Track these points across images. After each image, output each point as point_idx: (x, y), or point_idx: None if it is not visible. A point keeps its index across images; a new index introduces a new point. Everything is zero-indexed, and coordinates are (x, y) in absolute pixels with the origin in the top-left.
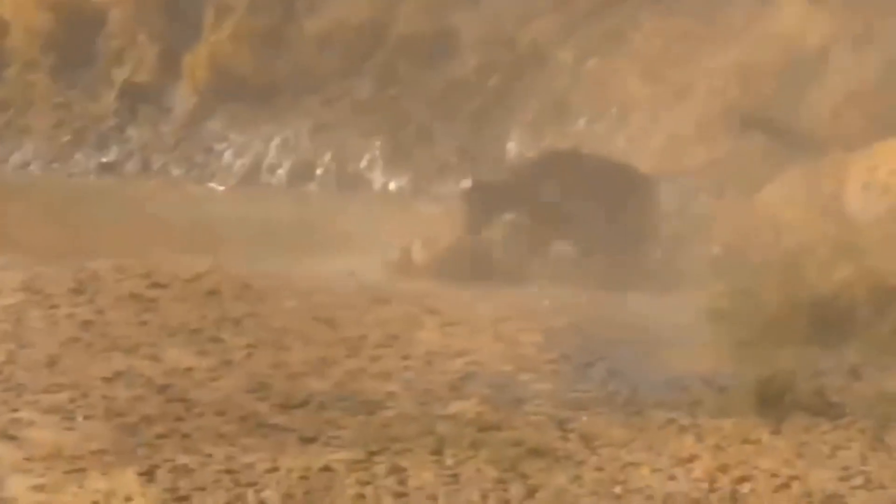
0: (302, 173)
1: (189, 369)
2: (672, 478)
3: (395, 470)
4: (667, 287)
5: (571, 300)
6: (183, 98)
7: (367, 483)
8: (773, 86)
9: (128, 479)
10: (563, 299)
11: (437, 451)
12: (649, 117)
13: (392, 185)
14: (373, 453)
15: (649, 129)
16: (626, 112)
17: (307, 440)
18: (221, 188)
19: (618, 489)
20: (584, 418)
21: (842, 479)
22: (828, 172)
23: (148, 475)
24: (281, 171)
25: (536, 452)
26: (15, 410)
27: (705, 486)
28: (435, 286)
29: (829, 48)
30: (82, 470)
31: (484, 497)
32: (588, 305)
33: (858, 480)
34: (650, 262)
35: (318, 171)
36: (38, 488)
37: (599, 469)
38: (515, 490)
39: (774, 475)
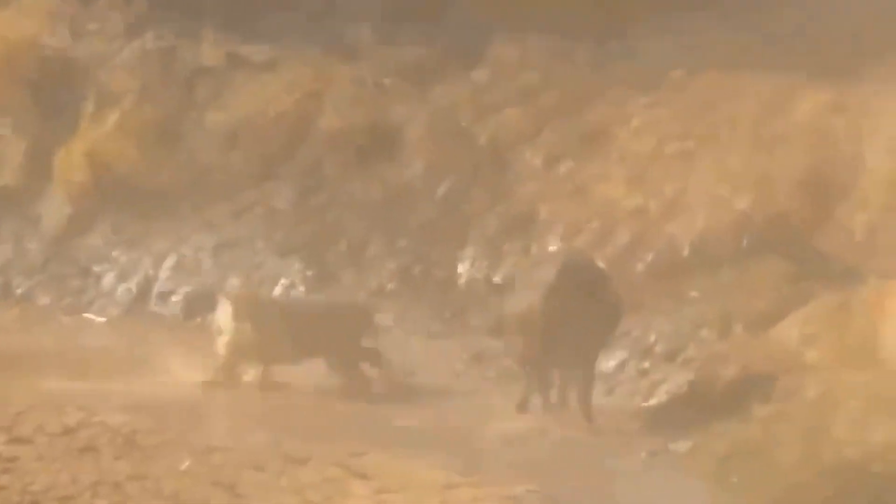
0: (202, 302)
1: None
2: None
3: None
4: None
5: (539, 456)
6: (54, 206)
7: None
8: (793, 196)
9: None
10: (527, 455)
11: None
12: (637, 234)
13: None
14: None
15: (637, 249)
16: (609, 227)
17: None
18: (101, 320)
19: None
20: None
21: None
22: (861, 306)
23: None
24: (176, 299)
25: None
26: None
27: None
28: (363, 441)
29: (864, 146)
30: None
31: None
32: (559, 464)
33: None
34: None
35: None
36: None
37: None
38: None
39: None
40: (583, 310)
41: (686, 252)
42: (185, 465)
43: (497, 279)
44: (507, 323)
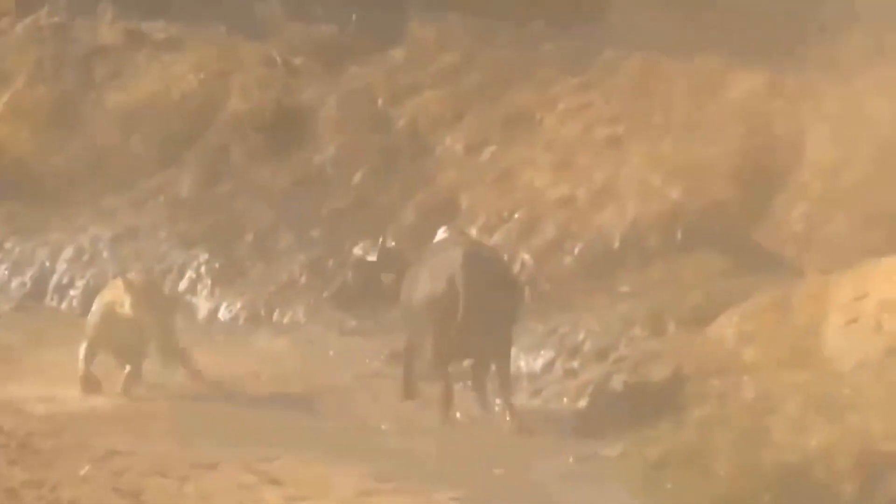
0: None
1: None
2: None
3: None
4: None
5: (461, 460)
6: None
7: None
8: (729, 185)
9: None
10: (448, 460)
11: None
12: (565, 225)
13: (223, 313)
14: None
15: (564, 241)
16: (535, 217)
17: None
18: None
19: None
20: None
21: None
22: (800, 302)
23: None
24: (73, 293)
25: None
26: None
27: None
28: (275, 447)
29: (803, 132)
30: None
31: None
32: (482, 469)
33: None
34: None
35: None
36: None
37: None
38: None
39: None
40: (489, 297)
41: (616, 244)
42: (85, 470)
43: None
44: (415, 314)
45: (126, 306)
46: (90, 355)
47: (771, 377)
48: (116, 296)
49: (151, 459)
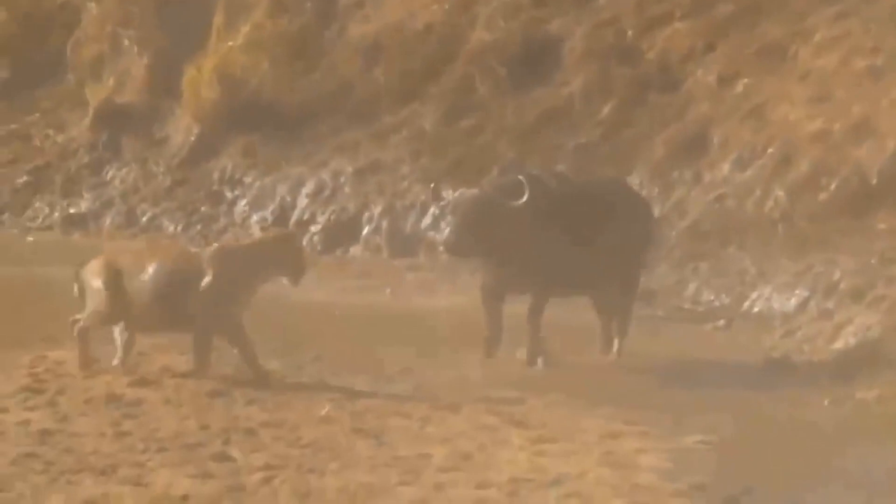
0: (343, 232)
1: (185, 498)
2: None
3: None
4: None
5: (710, 404)
6: (181, 127)
7: None
8: None
9: None
10: (695, 403)
11: None
12: (820, 160)
13: None
14: None
15: (819, 177)
16: (789, 152)
17: None
18: None
19: None
20: None
21: None
22: None
23: None
24: (315, 229)
25: None
26: None
27: None
28: (520, 390)
29: None
30: None
31: None
32: (731, 413)
33: None
34: None
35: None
36: None
37: None
38: None
39: None
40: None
41: (874, 180)
42: (325, 411)
43: (665, 208)
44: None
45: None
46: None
47: None
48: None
49: (392, 401)
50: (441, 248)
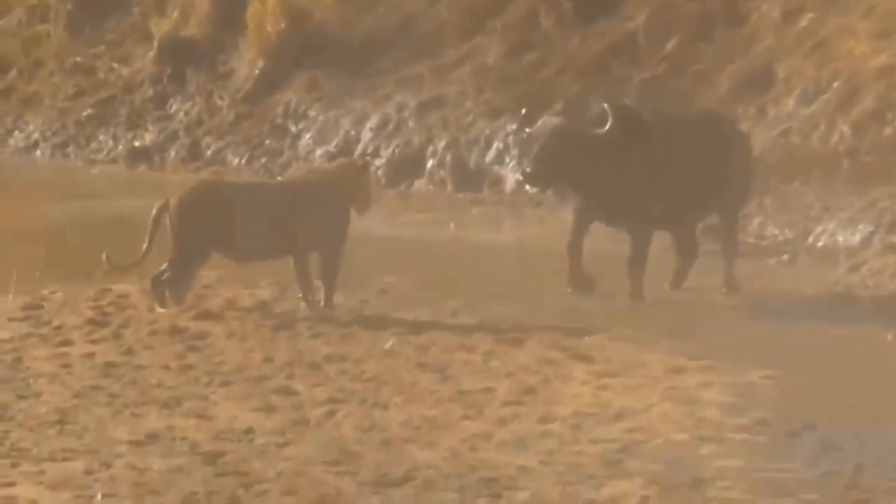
0: (407, 166)
1: (248, 431)
2: None
3: None
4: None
5: (773, 343)
6: (245, 60)
7: None
8: None
9: None
10: (760, 341)
11: None
12: (885, 95)
13: None
14: None
15: (885, 112)
16: (854, 88)
17: None
18: None
19: None
20: None
21: None
22: None
23: None
24: (379, 162)
25: None
26: (10, 485)
27: None
28: (582, 322)
29: None
30: None
31: None
32: (794, 350)
33: None
34: None
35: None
36: None
37: None
38: None
39: None
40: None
41: None
42: (389, 344)
43: None
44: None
45: None
46: None
47: None
48: None
49: (456, 335)
50: (520, 178)
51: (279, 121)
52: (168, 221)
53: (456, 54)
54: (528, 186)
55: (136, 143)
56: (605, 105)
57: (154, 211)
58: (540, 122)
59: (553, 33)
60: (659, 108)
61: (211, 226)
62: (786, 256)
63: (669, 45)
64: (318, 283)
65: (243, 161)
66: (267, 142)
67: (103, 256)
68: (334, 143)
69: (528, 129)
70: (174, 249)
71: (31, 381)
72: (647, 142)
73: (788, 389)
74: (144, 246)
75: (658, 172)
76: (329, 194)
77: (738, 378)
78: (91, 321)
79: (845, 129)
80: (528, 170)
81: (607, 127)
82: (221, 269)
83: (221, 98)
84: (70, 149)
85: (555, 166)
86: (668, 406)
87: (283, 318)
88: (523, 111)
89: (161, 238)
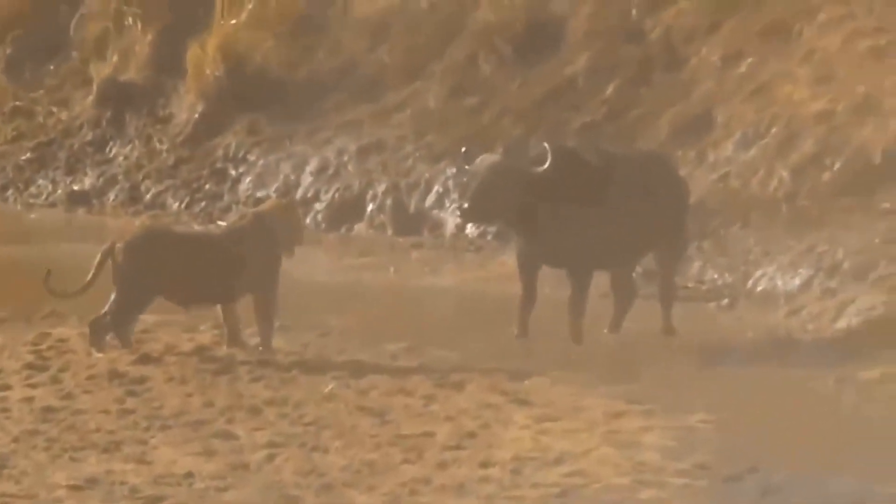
0: (347, 210)
1: (188, 475)
2: None
3: None
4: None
5: (712, 384)
6: (185, 104)
7: None
8: None
9: None
10: (699, 383)
11: None
12: (824, 140)
13: (470, 229)
14: None
15: (823, 157)
16: (793, 132)
17: None
18: None
19: None
20: None
21: None
22: None
23: None
24: (319, 207)
25: None
26: None
27: None
28: (522, 366)
29: None
30: None
31: None
32: (736, 393)
33: None
34: None
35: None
36: None
37: None
38: None
39: None
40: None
41: (877, 160)
42: (329, 388)
43: None
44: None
45: None
46: None
47: None
48: None
49: (396, 379)
50: (458, 215)
51: (219, 164)
52: (112, 265)
53: (396, 98)
54: (466, 224)
55: (76, 187)
56: (545, 144)
57: (99, 255)
58: (479, 160)
59: (493, 77)
60: (601, 148)
61: (156, 270)
62: (726, 301)
63: (609, 90)
64: (251, 329)
65: (183, 205)
66: (207, 186)
67: (44, 278)
68: (274, 187)
69: (467, 167)
70: (118, 292)
71: None
72: (587, 181)
73: (729, 433)
74: (88, 278)
75: (598, 212)
76: (260, 236)
77: (679, 422)
78: (30, 365)
79: (784, 173)
80: (466, 205)
81: (546, 165)
82: (160, 313)
83: (161, 142)
84: (9, 192)
85: (493, 203)
86: (608, 450)
87: (223, 362)
88: (463, 149)
89: (100, 282)
